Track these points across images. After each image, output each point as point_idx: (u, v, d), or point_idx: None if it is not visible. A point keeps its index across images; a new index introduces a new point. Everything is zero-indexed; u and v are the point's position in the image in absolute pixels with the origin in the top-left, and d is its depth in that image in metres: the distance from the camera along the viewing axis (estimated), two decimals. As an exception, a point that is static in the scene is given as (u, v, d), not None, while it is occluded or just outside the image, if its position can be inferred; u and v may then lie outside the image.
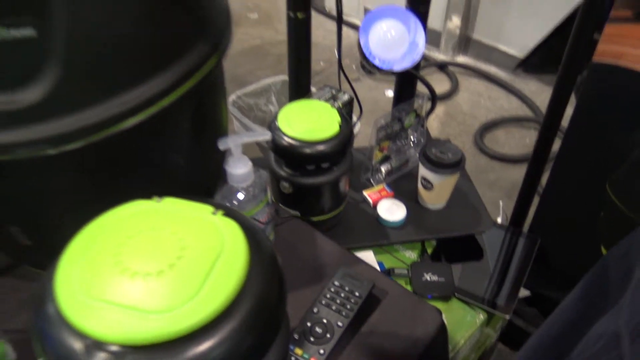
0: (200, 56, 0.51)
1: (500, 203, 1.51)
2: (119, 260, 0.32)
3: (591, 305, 0.53)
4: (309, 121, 0.88)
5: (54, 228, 0.55)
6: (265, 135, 0.58)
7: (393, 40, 1.02)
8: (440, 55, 2.54)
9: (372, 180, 1.14)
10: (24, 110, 0.42)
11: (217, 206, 0.36)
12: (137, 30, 0.45)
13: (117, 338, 0.29)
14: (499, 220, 1.44)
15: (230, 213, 0.36)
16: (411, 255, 1.04)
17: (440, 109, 2.21)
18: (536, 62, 2.38)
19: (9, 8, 0.39)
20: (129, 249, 0.33)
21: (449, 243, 1.06)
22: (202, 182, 0.63)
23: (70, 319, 0.30)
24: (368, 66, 1.06)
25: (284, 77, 1.78)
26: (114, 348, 0.29)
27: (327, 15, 2.81)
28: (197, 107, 0.54)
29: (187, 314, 0.30)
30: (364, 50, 1.02)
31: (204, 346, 0.30)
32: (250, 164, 0.55)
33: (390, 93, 2.36)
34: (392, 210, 1.05)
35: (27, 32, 0.41)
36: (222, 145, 0.53)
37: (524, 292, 1.36)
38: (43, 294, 0.32)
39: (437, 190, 1.05)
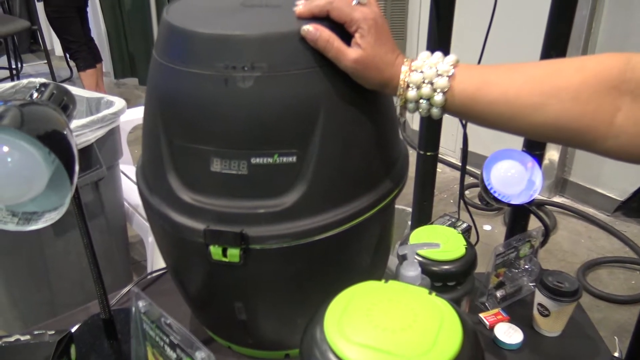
0: (387, 189, 0.68)
1: (616, 339, 1.50)
2: (371, 318, 0.46)
3: None
4: (439, 243, 1.01)
5: (264, 308, 0.70)
6: (435, 246, 0.72)
7: (513, 178, 1.17)
8: (537, 195, 2.63)
9: (487, 304, 1.22)
10: (282, 211, 0.60)
11: (430, 290, 0.49)
12: (356, 168, 0.64)
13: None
14: (616, 354, 1.43)
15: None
16: (530, 379, 1.08)
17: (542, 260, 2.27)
18: (636, 206, 2.41)
19: (284, 143, 0.58)
20: (376, 311, 0.46)
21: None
22: (378, 277, 0.78)
23: (342, 356, 0.43)
24: (487, 198, 1.20)
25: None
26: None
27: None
28: (382, 222, 0.71)
29: (428, 361, 0.42)
30: (486, 184, 1.16)
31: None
32: (419, 268, 0.69)
33: (487, 227, 2.46)
34: (509, 334, 1.11)
35: (291, 159, 0.59)
36: (402, 251, 0.67)
37: None
38: (316, 343, 0.46)
39: (554, 318, 1.11)
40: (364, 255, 0.70)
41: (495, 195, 1.17)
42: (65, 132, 0.56)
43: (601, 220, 2.41)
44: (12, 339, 0.63)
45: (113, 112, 1.54)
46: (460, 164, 3.00)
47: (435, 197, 2.73)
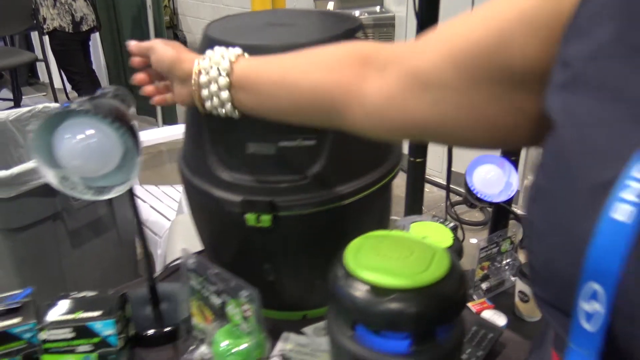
0: (387, 169, 0.83)
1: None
2: (379, 252, 0.59)
3: None
4: (429, 235, 1.15)
5: (289, 269, 0.83)
6: (427, 219, 0.87)
7: (492, 180, 1.32)
8: (519, 210, 2.80)
9: (474, 296, 1.35)
10: (306, 184, 0.75)
11: (424, 236, 0.63)
12: (363, 151, 0.79)
13: (387, 284, 0.55)
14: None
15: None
16: None
17: (522, 255, 2.41)
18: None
19: (306, 130, 0.73)
20: (383, 248, 0.60)
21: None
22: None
23: (359, 276, 0.57)
24: (471, 199, 1.35)
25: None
26: (382, 290, 0.55)
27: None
28: (383, 197, 0.85)
29: (423, 278, 0.56)
30: (469, 186, 1.32)
31: (432, 295, 0.55)
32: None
33: (473, 240, 2.60)
34: (494, 319, 1.25)
35: (311, 142, 0.74)
36: (399, 224, 0.81)
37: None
38: (338, 272, 0.59)
39: (533, 303, 1.25)
40: (370, 225, 0.84)
41: (478, 195, 1.32)
42: (131, 120, 0.70)
43: (579, 232, 2.56)
44: (80, 295, 0.76)
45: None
46: (446, 183, 3.18)
47: (424, 215, 2.88)
